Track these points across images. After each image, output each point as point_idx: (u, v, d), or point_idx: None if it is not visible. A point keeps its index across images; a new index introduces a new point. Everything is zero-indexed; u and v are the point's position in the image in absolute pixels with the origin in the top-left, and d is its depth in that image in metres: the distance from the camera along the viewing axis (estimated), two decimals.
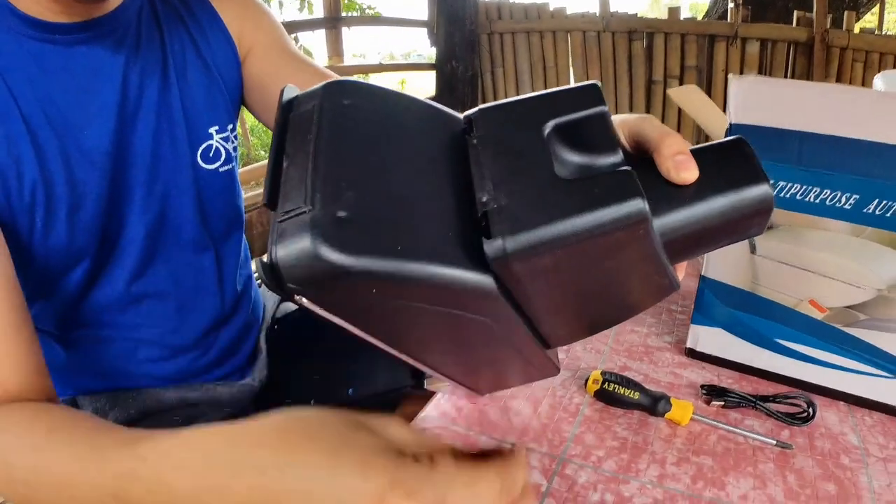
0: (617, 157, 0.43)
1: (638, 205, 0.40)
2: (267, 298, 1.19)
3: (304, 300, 0.39)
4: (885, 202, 0.72)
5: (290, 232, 0.37)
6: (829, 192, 0.75)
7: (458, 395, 0.79)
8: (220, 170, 0.88)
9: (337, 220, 0.37)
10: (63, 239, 0.75)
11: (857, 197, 0.73)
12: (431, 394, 0.83)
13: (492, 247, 0.40)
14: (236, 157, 0.92)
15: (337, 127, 0.41)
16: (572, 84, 0.45)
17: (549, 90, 0.46)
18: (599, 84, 0.44)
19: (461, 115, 0.48)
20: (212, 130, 0.88)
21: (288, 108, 0.44)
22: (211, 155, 0.87)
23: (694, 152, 0.45)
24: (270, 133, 0.52)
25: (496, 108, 0.46)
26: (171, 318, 0.90)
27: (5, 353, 0.62)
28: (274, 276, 0.38)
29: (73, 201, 0.74)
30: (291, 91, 0.45)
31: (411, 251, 0.39)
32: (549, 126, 0.44)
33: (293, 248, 0.37)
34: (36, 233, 0.73)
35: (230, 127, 0.91)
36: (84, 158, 0.75)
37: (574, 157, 0.43)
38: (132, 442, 0.47)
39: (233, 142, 0.91)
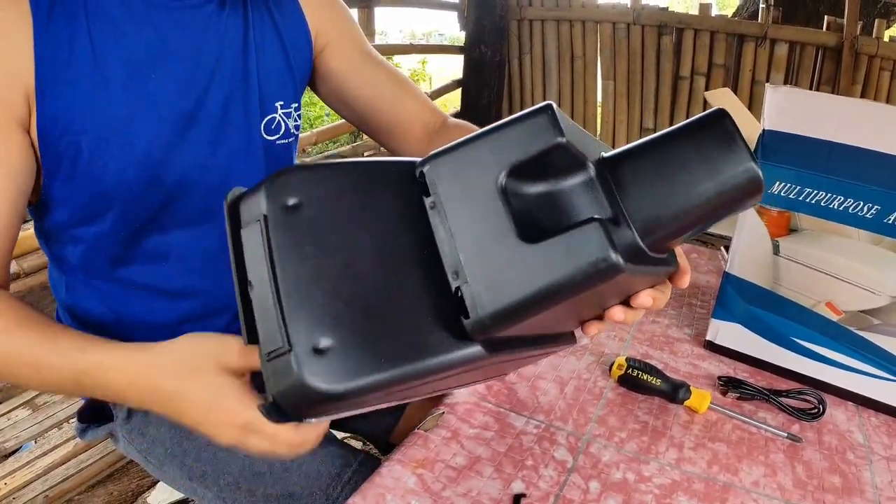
0: (581, 182, 0.44)
1: (609, 260, 0.40)
2: None
3: (313, 420, 0.44)
4: None
5: (279, 372, 0.41)
6: (852, 202, 0.78)
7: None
8: (278, 142, 0.92)
9: (317, 353, 0.40)
10: (110, 171, 0.78)
11: (879, 208, 0.77)
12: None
13: (471, 324, 0.42)
14: (296, 135, 0.97)
15: (288, 246, 0.42)
16: (526, 110, 0.44)
17: (499, 123, 0.45)
18: (554, 106, 0.44)
19: (413, 162, 0.47)
20: (277, 104, 0.92)
21: (234, 210, 0.45)
22: (273, 127, 0.92)
23: (680, 131, 0.46)
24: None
25: (447, 161, 0.45)
26: (218, 275, 0.92)
27: None
28: (280, 411, 0.42)
29: (125, 138, 0.77)
30: (234, 193, 0.45)
31: (395, 357, 0.41)
32: (503, 174, 0.43)
33: (287, 387, 0.41)
34: (80, 163, 0.77)
35: (294, 105, 0.95)
36: (148, 102, 0.78)
37: (537, 202, 0.43)
38: (82, 350, 0.65)
39: (295, 120, 0.96)
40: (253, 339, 0.43)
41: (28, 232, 1.07)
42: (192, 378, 0.59)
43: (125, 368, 0.63)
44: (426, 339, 0.42)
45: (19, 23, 0.69)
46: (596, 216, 0.42)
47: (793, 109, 0.80)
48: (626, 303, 0.55)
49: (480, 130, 0.45)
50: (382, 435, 1.11)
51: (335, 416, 0.46)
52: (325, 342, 0.40)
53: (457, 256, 0.43)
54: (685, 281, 0.56)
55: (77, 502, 1.44)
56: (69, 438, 1.49)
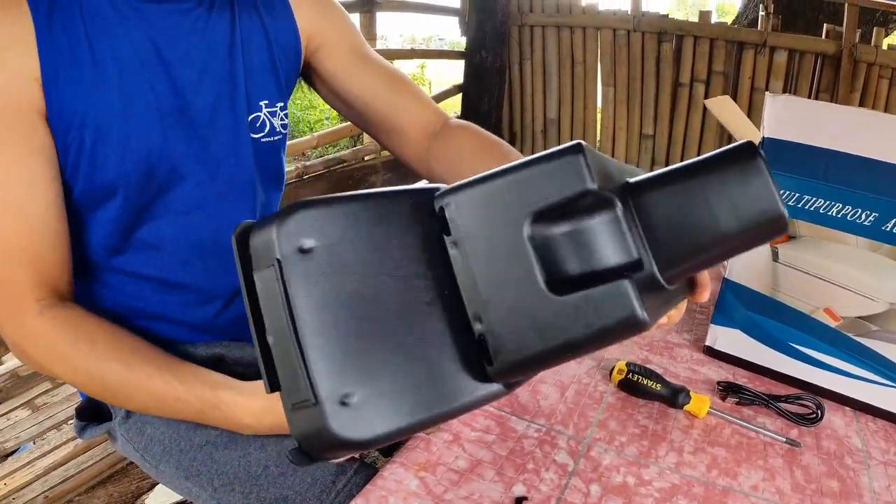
0: (607, 220, 0.41)
1: (637, 319, 0.40)
2: None
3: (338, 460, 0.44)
4: None
5: (306, 423, 0.41)
6: (850, 209, 0.79)
7: None
8: (264, 140, 0.94)
9: (343, 405, 0.40)
10: (111, 162, 0.82)
11: (877, 215, 0.78)
12: None
13: (494, 371, 0.42)
14: (284, 134, 0.99)
15: (305, 294, 0.41)
16: (553, 149, 0.43)
17: (526, 161, 0.44)
18: (584, 146, 0.42)
19: (429, 190, 0.46)
20: (262, 103, 0.95)
21: (243, 245, 0.44)
22: (258, 125, 0.95)
23: (708, 163, 0.44)
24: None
25: (469, 197, 0.44)
26: (208, 265, 0.95)
27: (59, 258, 0.78)
28: (305, 456, 0.43)
29: (123, 132, 0.81)
30: (242, 226, 0.44)
31: (419, 404, 0.41)
32: (531, 217, 0.42)
33: (314, 436, 0.41)
34: (84, 154, 0.80)
35: (279, 105, 0.98)
36: (135, 104, 0.82)
37: (562, 245, 0.41)
38: (212, 387, 0.74)
39: (281, 119, 0.98)
40: (273, 383, 0.43)
41: None
42: None
43: (249, 405, 0.72)
44: (449, 385, 0.42)
45: (24, 26, 0.74)
46: (624, 264, 0.41)
47: (792, 118, 0.81)
48: None
49: (505, 167, 0.44)
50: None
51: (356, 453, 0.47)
52: (352, 395, 0.40)
53: (479, 300, 0.43)
54: (704, 296, 0.57)
55: (77, 503, 1.45)
56: (69, 439, 1.49)
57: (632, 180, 0.46)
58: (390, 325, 0.42)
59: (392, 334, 0.42)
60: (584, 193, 0.42)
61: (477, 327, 0.43)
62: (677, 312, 0.58)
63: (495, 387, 0.43)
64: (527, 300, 0.41)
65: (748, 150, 0.44)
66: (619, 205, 0.43)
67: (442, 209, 0.44)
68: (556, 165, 0.42)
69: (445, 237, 0.44)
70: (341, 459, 0.46)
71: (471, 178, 0.44)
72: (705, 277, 0.57)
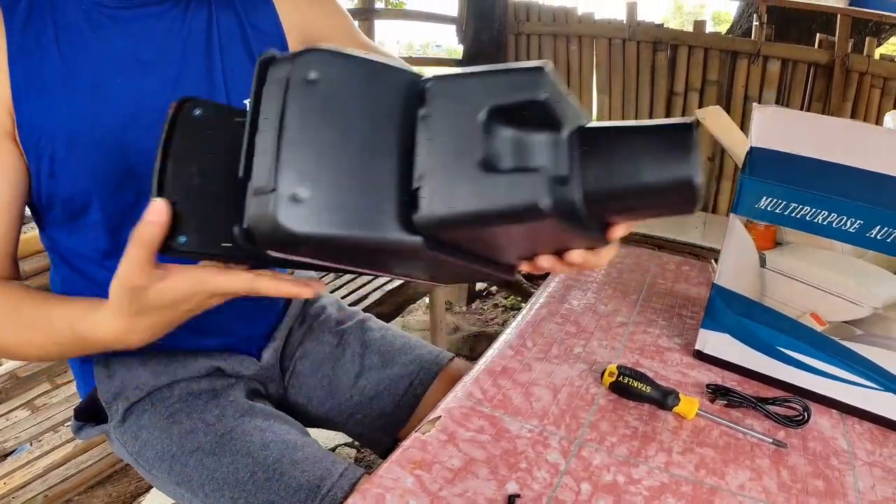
0: (551, 139, 0.50)
1: (540, 204, 0.48)
2: None
3: (273, 253, 0.51)
4: (886, 229, 0.79)
5: (259, 207, 0.48)
6: (835, 216, 0.81)
7: None
8: None
9: (294, 200, 0.48)
10: (86, 169, 0.84)
11: (861, 222, 0.80)
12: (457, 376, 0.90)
13: (418, 219, 0.49)
14: None
15: (298, 109, 0.50)
16: (525, 63, 0.51)
17: (499, 67, 0.52)
18: (548, 67, 0.51)
19: (422, 77, 0.55)
20: (246, 102, 0.96)
21: (264, 68, 0.52)
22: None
23: (652, 127, 0.51)
24: None
25: (447, 82, 0.52)
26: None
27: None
28: (249, 237, 0.50)
29: (97, 138, 0.83)
30: (267, 54, 0.53)
31: (353, 221, 0.49)
32: (488, 108, 0.50)
33: (262, 220, 0.48)
34: (58, 164, 0.83)
35: None
36: (109, 109, 0.84)
37: (505, 144, 0.50)
38: (68, 325, 0.72)
39: None
40: (247, 169, 0.50)
41: (26, 235, 1.11)
42: (134, 295, 0.66)
43: (102, 324, 0.70)
44: (382, 218, 0.50)
45: None
46: (552, 176, 0.49)
47: (779, 128, 0.83)
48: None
49: (483, 68, 0.52)
50: (387, 440, 1.13)
51: (285, 257, 0.53)
52: (303, 193, 0.48)
53: (426, 164, 0.50)
54: (604, 259, 0.63)
55: (76, 503, 1.46)
56: (68, 440, 1.50)
57: (585, 125, 0.53)
58: (354, 157, 0.50)
59: (352, 163, 0.49)
60: (536, 101, 0.49)
61: (416, 183, 0.50)
62: (595, 258, 0.62)
63: (416, 238, 0.50)
64: (462, 172, 0.49)
65: (687, 125, 0.51)
66: (566, 131, 0.51)
67: (425, 88, 0.52)
68: (520, 74, 0.50)
69: (419, 110, 0.52)
70: (276, 255, 0.51)
71: (456, 71, 0.52)
72: (613, 250, 0.63)
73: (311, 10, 1.03)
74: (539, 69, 0.50)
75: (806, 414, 0.84)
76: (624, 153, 0.51)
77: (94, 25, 0.83)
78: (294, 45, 1.02)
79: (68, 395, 1.70)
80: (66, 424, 1.56)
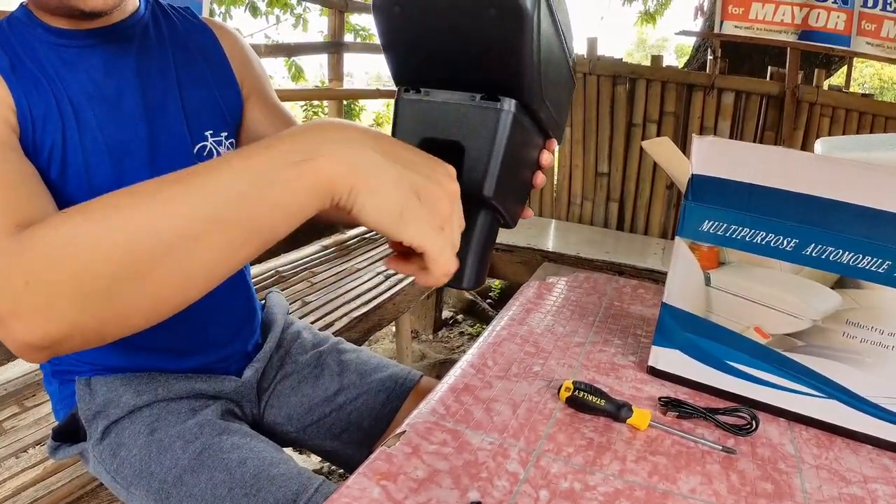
0: None
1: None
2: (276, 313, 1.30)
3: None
4: (820, 246, 0.84)
5: None
6: (773, 236, 0.87)
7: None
8: None
9: None
10: (70, 189, 0.91)
11: (797, 241, 0.85)
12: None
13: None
14: None
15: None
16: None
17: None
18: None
19: None
20: (207, 133, 1.04)
21: None
22: (206, 154, 1.04)
23: None
24: None
25: None
26: None
27: (26, 196, 0.76)
28: None
29: (80, 163, 0.92)
30: None
31: None
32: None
33: None
34: (51, 179, 0.90)
35: (224, 134, 1.07)
36: (91, 134, 0.93)
37: None
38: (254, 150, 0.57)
39: (227, 147, 1.07)
40: None
41: None
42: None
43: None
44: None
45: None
46: None
47: (717, 157, 0.88)
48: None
49: None
50: (361, 455, 1.16)
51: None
52: None
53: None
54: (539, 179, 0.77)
55: None
56: (38, 461, 1.49)
57: None
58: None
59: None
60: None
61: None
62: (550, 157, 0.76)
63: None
64: None
65: None
66: None
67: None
68: None
69: None
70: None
71: None
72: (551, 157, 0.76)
73: (245, 65, 1.14)
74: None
75: (754, 423, 0.88)
76: None
77: (65, 62, 0.92)
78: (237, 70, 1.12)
79: (37, 418, 1.69)
80: (35, 446, 1.56)
